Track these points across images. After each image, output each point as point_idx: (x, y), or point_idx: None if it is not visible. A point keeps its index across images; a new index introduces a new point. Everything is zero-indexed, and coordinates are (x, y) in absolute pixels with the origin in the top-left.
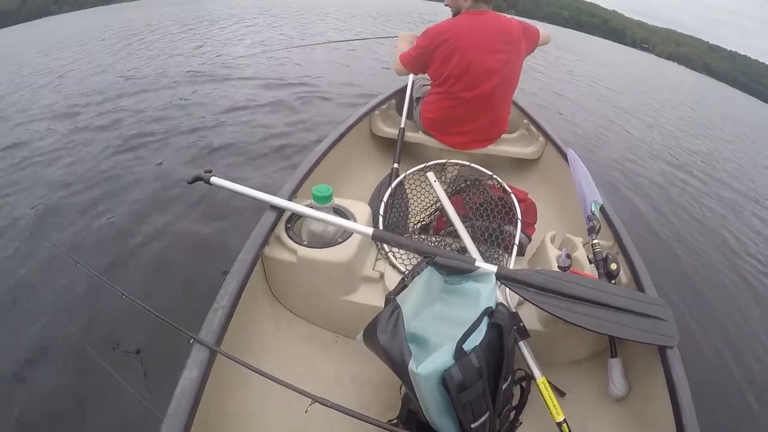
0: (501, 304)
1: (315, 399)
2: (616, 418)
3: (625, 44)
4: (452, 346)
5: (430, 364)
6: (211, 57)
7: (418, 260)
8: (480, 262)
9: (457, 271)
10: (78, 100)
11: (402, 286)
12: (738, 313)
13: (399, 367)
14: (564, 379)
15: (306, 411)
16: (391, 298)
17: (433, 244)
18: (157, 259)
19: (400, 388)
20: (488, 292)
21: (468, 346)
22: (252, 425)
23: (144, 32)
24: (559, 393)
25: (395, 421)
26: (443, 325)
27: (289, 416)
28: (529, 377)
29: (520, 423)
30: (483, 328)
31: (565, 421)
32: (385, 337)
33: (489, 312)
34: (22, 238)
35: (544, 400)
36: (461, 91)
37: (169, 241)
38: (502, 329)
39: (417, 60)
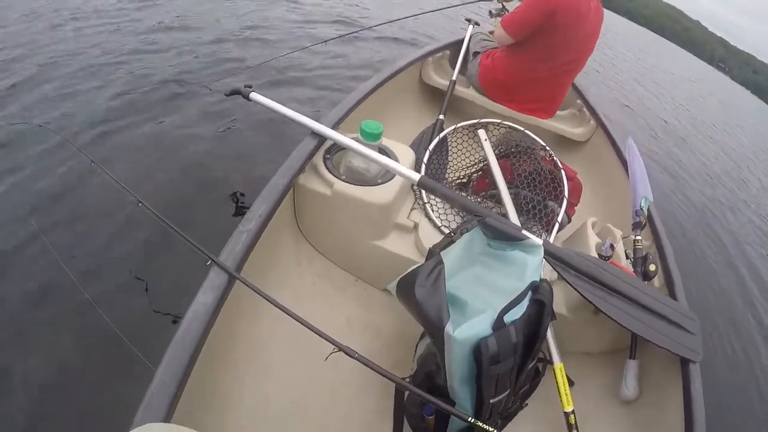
0: (545, 280)
1: (340, 347)
2: (620, 419)
3: (702, 59)
4: (493, 315)
5: (468, 329)
6: None
7: (464, 217)
8: (527, 233)
9: (506, 237)
10: None
11: (449, 241)
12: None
13: (433, 327)
14: (575, 368)
15: (326, 359)
16: (435, 252)
17: None
18: (179, 172)
19: (416, 346)
20: (535, 265)
21: (509, 317)
22: (262, 357)
23: None
24: (569, 382)
25: (407, 379)
26: (483, 290)
27: (303, 356)
28: (546, 361)
29: (526, 405)
30: (526, 302)
31: (573, 412)
32: (423, 292)
33: (534, 286)
34: (38, 133)
35: (557, 387)
36: (546, 60)
37: (195, 156)
38: (544, 307)
39: (525, 23)
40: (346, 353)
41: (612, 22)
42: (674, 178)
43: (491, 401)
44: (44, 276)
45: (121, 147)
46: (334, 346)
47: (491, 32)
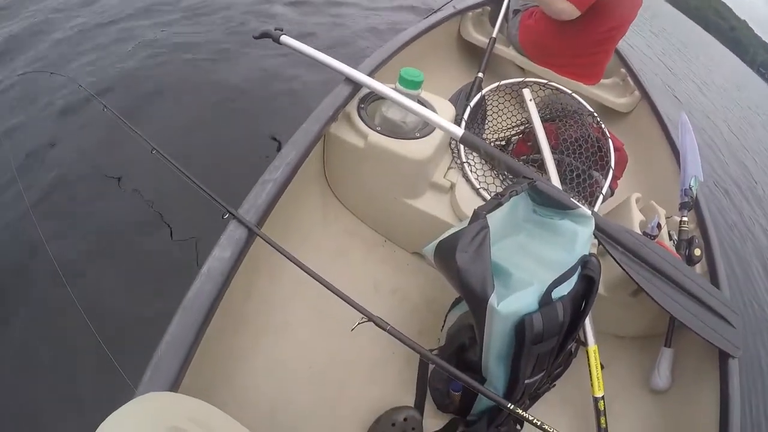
0: (594, 254)
1: (371, 318)
2: (649, 409)
3: (744, 60)
4: (540, 289)
5: (513, 303)
6: None
7: (505, 181)
8: (579, 203)
9: (556, 204)
10: None
11: (496, 203)
12: None
13: (475, 297)
14: (606, 350)
15: (352, 329)
16: (482, 214)
17: None
18: (202, 119)
19: (445, 318)
20: (586, 238)
21: (557, 293)
22: (280, 318)
23: None
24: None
25: (435, 351)
26: (528, 261)
27: (324, 320)
28: (581, 342)
29: (554, 386)
30: (574, 277)
31: (603, 397)
32: (465, 258)
33: (584, 261)
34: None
35: (589, 370)
36: (591, 23)
37: (220, 102)
38: (594, 283)
39: None
40: (377, 324)
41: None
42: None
43: (526, 381)
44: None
45: (139, 92)
46: (362, 315)
47: None
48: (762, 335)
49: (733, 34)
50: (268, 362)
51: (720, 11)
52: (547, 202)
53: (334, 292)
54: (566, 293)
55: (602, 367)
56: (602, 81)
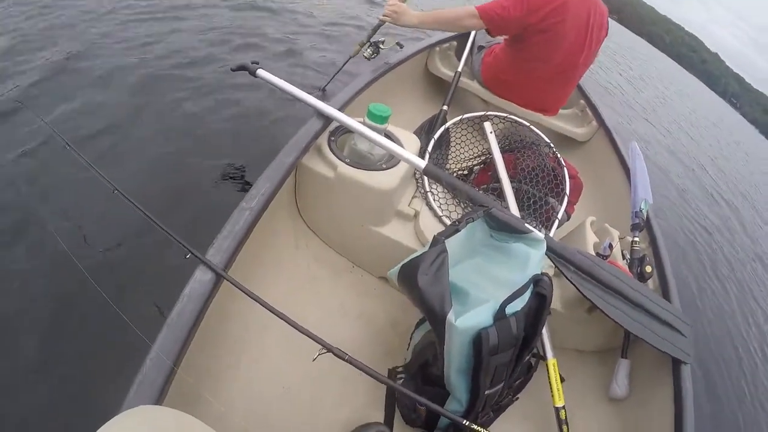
0: (546, 274)
1: (330, 349)
2: (609, 417)
3: (716, 92)
4: (495, 306)
5: (470, 319)
6: None
7: (466, 208)
8: (531, 227)
9: (510, 229)
10: None
11: (454, 230)
12: (757, 356)
13: (435, 315)
14: (566, 364)
15: (314, 360)
16: (440, 240)
17: None
18: (175, 152)
19: (410, 337)
20: (538, 259)
21: (510, 309)
22: (254, 344)
23: None
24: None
25: (400, 369)
26: (485, 281)
27: (294, 346)
28: (540, 356)
29: (517, 398)
30: (527, 294)
31: (564, 407)
32: (426, 279)
33: (536, 279)
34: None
35: (549, 382)
36: (545, 59)
37: (195, 135)
38: (545, 300)
39: (510, 20)
40: (336, 355)
41: (631, 44)
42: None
43: (486, 392)
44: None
45: (104, 128)
46: (321, 346)
47: None
48: (714, 341)
49: (704, 66)
50: (244, 383)
51: (692, 45)
52: (502, 227)
53: (293, 326)
54: (519, 309)
55: (563, 380)
56: (561, 112)
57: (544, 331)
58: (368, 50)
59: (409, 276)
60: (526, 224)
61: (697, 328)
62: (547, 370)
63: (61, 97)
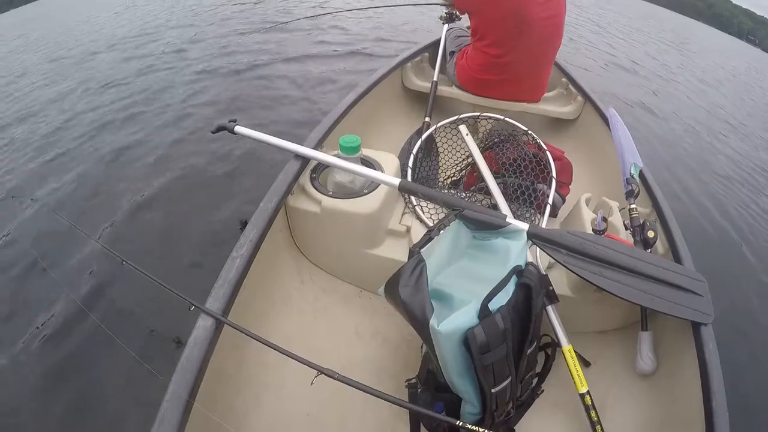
0: (531, 263)
1: (321, 371)
2: (640, 394)
3: (731, 34)
4: (477, 305)
5: (453, 321)
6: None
7: (446, 213)
8: (511, 219)
9: (487, 226)
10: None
11: (427, 238)
12: None
13: (419, 323)
14: (590, 348)
15: (311, 383)
16: (415, 251)
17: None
18: (172, 216)
19: (421, 346)
20: (518, 250)
21: (494, 305)
22: (271, 377)
23: None
24: (584, 363)
25: (414, 380)
26: (469, 282)
27: (298, 384)
28: (555, 344)
29: (542, 391)
30: (511, 287)
31: (588, 392)
32: (406, 291)
33: (518, 271)
34: (10, 197)
35: (569, 369)
36: (511, 50)
37: (185, 198)
38: (531, 290)
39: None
40: (327, 375)
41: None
42: (669, 141)
43: (493, 390)
44: None
45: (105, 206)
46: (321, 373)
47: (468, 27)
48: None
49: (711, 11)
50: (268, 416)
51: None
52: (480, 226)
53: (288, 356)
54: (504, 303)
55: (588, 364)
56: (547, 95)
57: (554, 318)
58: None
59: (392, 291)
60: (509, 217)
61: (717, 279)
62: (564, 358)
63: (53, 177)
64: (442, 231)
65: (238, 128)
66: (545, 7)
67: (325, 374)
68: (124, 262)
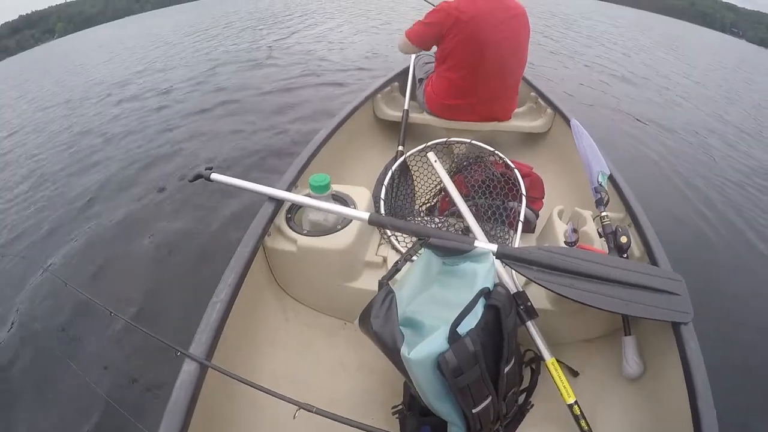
0: (499, 284)
1: (300, 405)
2: (628, 398)
3: (715, 29)
4: (446, 330)
5: (423, 348)
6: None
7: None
8: (479, 242)
9: (453, 251)
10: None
11: (395, 269)
12: (759, 289)
13: (392, 352)
14: (576, 358)
15: (294, 417)
16: (384, 283)
17: (436, 226)
18: (156, 264)
19: None
20: (485, 273)
21: (462, 329)
22: (265, 412)
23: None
24: (572, 373)
25: (400, 406)
26: (439, 308)
27: (287, 421)
28: (539, 358)
29: (532, 405)
30: (479, 309)
31: (576, 402)
32: (378, 322)
33: (485, 293)
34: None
35: (554, 382)
36: (472, 72)
37: (169, 245)
38: (500, 311)
39: (426, 36)
40: (305, 409)
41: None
42: (638, 142)
43: (474, 411)
44: None
45: (89, 257)
46: (300, 408)
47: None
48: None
49: (694, 9)
50: None
51: None
52: (447, 252)
53: (271, 394)
54: (473, 326)
55: (576, 374)
56: (518, 110)
57: (535, 333)
58: None
59: (365, 322)
60: (477, 240)
61: (697, 276)
62: (549, 372)
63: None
64: (411, 260)
65: (214, 176)
66: (502, 29)
67: (304, 409)
68: (112, 313)
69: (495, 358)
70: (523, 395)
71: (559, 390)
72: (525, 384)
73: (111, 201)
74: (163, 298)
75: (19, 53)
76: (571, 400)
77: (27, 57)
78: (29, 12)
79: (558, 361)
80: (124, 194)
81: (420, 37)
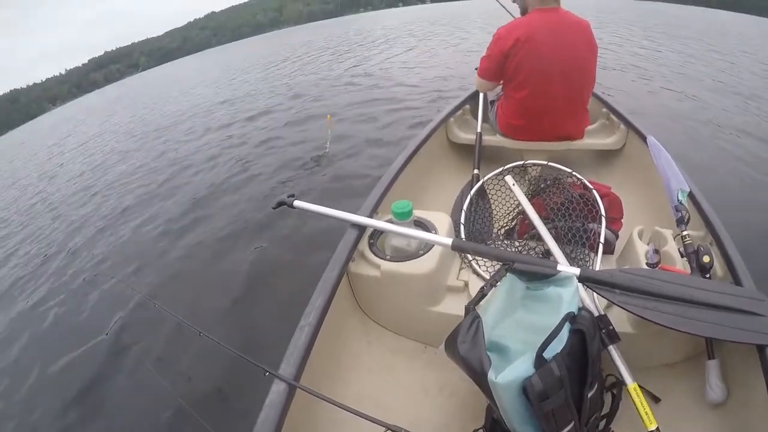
0: (584, 308)
1: (387, 426)
2: (712, 426)
3: (742, 11)
4: (532, 354)
5: (510, 373)
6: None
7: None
8: (562, 266)
9: (538, 276)
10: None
11: (481, 295)
12: None
13: (479, 377)
14: (658, 383)
15: None
16: (470, 308)
17: (516, 249)
18: (245, 288)
19: None
20: (570, 297)
21: (548, 353)
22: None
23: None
24: (654, 399)
25: (481, 430)
26: (524, 333)
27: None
28: (621, 383)
29: (612, 431)
30: (565, 334)
31: (658, 429)
32: (465, 347)
33: (570, 317)
34: (88, 276)
35: (636, 407)
36: (537, 89)
37: (256, 271)
38: (585, 335)
39: (492, 68)
40: (392, 431)
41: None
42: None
43: None
44: None
45: (182, 283)
46: (389, 429)
47: None
48: None
49: None
50: None
51: None
52: (531, 277)
53: (354, 413)
54: (559, 351)
55: (658, 400)
56: (590, 128)
57: (617, 357)
58: None
59: (452, 347)
60: (560, 263)
61: None
62: (630, 397)
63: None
64: (496, 285)
65: (296, 203)
66: (563, 44)
67: (392, 430)
68: (201, 334)
69: (579, 382)
70: (604, 421)
71: (640, 416)
72: (606, 409)
73: (196, 229)
74: (246, 320)
75: (105, 86)
76: (652, 427)
77: (115, 89)
78: (113, 48)
79: (639, 386)
80: (210, 221)
81: (488, 71)
